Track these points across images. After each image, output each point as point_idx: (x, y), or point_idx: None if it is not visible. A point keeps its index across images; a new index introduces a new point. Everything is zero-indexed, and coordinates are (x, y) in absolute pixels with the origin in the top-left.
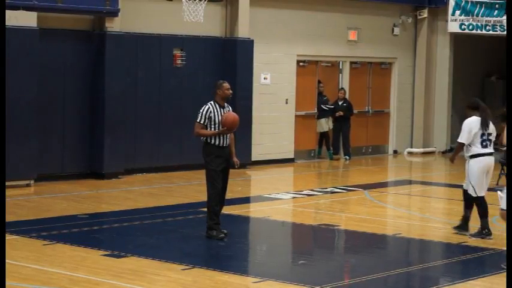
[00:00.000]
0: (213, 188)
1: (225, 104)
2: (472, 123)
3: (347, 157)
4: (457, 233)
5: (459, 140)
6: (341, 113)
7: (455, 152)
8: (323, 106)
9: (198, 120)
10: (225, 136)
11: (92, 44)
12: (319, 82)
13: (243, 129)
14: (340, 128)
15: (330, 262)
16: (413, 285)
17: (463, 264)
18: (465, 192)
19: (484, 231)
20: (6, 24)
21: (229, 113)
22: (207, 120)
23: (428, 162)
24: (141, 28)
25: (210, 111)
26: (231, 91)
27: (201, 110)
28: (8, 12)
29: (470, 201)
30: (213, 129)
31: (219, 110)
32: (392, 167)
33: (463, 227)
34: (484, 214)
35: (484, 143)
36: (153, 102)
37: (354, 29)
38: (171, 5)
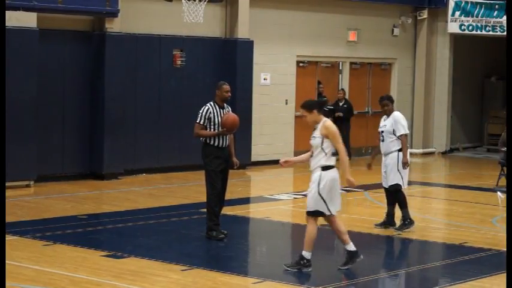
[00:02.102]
0: (213, 189)
1: (225, 104)
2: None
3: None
4: (381, 228)
5: (406, 132)
6: (340, 114)
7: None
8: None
9: (197, 121)
10: (224, 137)
11: (92, 45)
12: (318, 83)
13: (243, 129)
14: (339, 128)
15: (329, 263)
16: (413, 286)
17: (462, 265)
18: (389, 189)
19: (407, 221)
20: (6, 25)
21: (229, 113)
22: (206, 121)
23: (428, 163)
24: (141, 29)
25: (210, 112)
26: (229, 94)
27: (200, 111)
28: (8, 13)
29: (394, 196)
30: (212, 129)
31: (218, 110)
32: None
33: (389, 222)
34: (405, 205)
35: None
36: (152, 102)
37: (354, 30)
38: (171, 6)
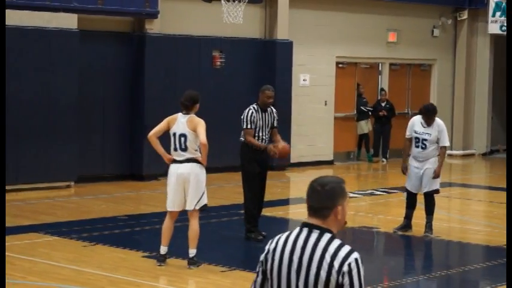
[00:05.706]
0: (250, 191)
1: (268, 107)
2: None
3: (384, 159)
4: (400, 232)
5: (448, 144)
6: (384, 113)
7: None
8: (362, 108)
9: (245, 127)
10: (264, 140)
11: (132, 46)
12: (358, 84)
13: (282, 130)
14: (381, 129)
15: (369, 264)
16: None
17: (503, 268)
18: (427, 193)
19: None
20: (47, 26)
21: (286, 146)
22: (252, 125)
23: (468, 164)
24: (180, 30)
25: (254, 116)
26: (271, 100)
27: (244, 115)
28: (48, 14)
29: (429, 200)
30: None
31: (261, 114)
32: None
33: (409, 225)
34: (434, 211)
35: None
36: None
37: (394, 31)
38: (211, 7)
